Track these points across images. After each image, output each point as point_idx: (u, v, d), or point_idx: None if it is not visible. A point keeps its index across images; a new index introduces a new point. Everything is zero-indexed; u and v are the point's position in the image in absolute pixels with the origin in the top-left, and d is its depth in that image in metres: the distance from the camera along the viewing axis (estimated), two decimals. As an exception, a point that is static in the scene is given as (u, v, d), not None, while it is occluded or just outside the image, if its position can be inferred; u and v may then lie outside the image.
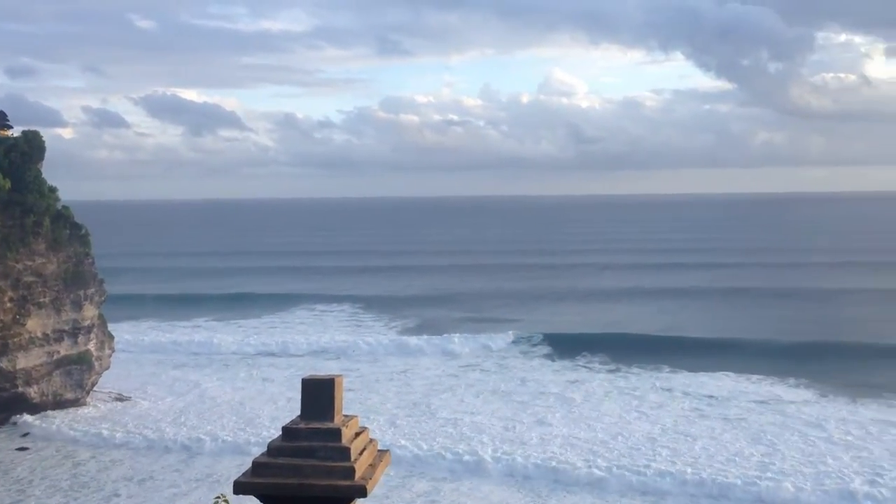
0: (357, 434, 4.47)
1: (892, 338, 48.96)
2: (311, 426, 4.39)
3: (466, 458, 29.39)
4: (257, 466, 4.38)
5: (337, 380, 4.51)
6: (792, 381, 39.75)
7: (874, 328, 52.55)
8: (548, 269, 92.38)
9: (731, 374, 41.28)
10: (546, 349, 47.95)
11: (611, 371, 43.13)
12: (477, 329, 54.50)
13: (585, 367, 44.27)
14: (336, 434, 4.34)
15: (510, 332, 51.35)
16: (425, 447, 30.55)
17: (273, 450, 4.35)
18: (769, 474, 27.18)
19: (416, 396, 38.67)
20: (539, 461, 28.74)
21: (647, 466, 28.04)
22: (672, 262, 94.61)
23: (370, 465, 4.46)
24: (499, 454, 29.56)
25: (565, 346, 47.79)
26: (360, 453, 4.38)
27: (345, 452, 4.30)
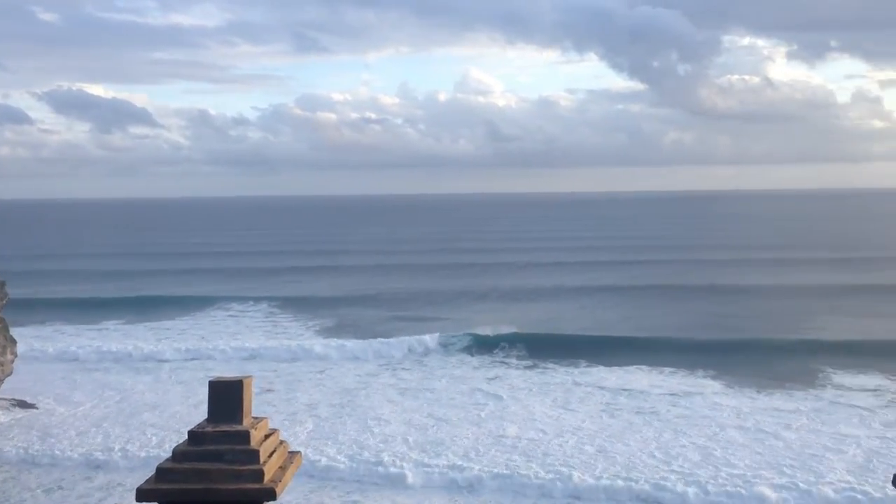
0: (267, 436, 4.37)
1: (792, 332, 51.34)
2: (218, 429, 4.26)
3: (387, 458, 29.25)
4: (161, 472, 4.22)
5: (246, 381, 4.40)
6: (700, 372, 41.17)
7: (777, 323, 54.98)
8: (469, 267, 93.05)
9: (644, 367, 42.44)
10: (469, 348, 48.09)
11: (529, 367, 43.69)
12: (398, 329, 54.46)
13: (505, 363, 44.74)
14: (244, 437, 4.22)
15: (433, 332, 51.38)
16: (345, 451, 30.29)
17: (178, 454, 4.20)
18: (680, 466, 28.01)
19: (335, 398, 38.28)
20: (459, 461, 28.84)
21: (566, 466, 28.47)
22: (590, 260, 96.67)
23: (280, 467, 4.36)
24: (421, 456, 29.49)
25: (488, 344, 48.11)
26: (270, 456, 4.28)
27: (253, 455, 4.19)
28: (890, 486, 7.41)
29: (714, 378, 40.20)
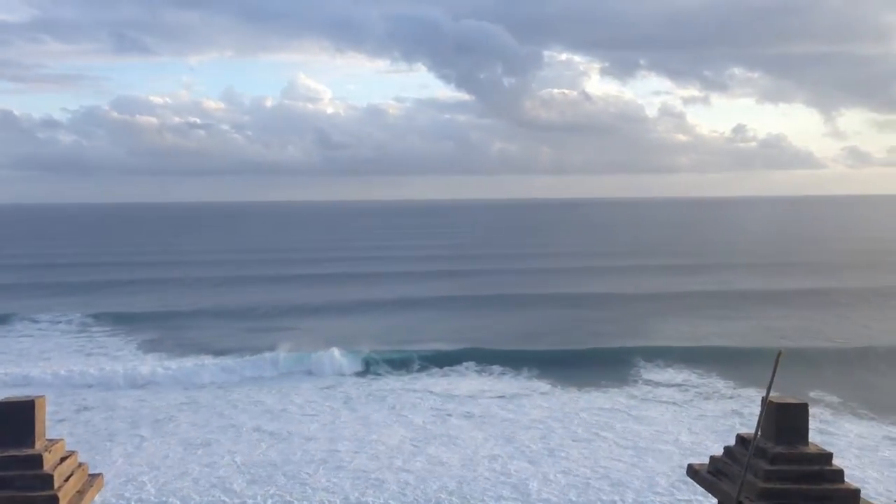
0: (63, 459, 4.04)
1: (612, 336, 54.42)
2: (6, 454, 3.87)
3: (210, 483, 28.05)
4: (-61, 506, 3.83)
5: (38, 401, 4.04)
6: (526, 373, 43.00)
7: (597, 328, 58.11)
8: (303, 279, 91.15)
9: (473, 363, 44.25)
10: (301, 361, 46.49)
11: (360, 374, 43.63)
12: (226, 344, 52.52)
13: (339, 374, 44.23)
14: (36, 461, 3.87)
15: (263, 345, 49.98)
16: (165, 476, 28.67)
17: (-41, 485, 3.81)
18: (505, 471, 28.85)
19: (157, 417, 36.29)
20: (288, 484, 28.01)
21: (400, 478, 28.50)
22: (422, 271, 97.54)
23: (78, 491, 4.03)
24: (247, 481, 28.20)
25: (321, 357, 46.83)
26: (66, 480, 3.96)
27: (47, 480, 3.85)
28: (686, 475, 7.89)
29: (539, 377, 42.18)
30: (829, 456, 7.47)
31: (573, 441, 31.62)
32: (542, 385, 40.97)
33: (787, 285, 77.08)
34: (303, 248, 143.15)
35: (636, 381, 41.60)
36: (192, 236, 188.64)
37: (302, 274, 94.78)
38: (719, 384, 40.64)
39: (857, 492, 7.34)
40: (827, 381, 40.48)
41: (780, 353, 7.18)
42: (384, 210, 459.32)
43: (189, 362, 46.14)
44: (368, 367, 44.75)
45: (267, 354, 47.48)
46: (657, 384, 40.97)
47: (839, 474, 7.37)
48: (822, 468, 7.29)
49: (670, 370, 43.69)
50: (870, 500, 7.56)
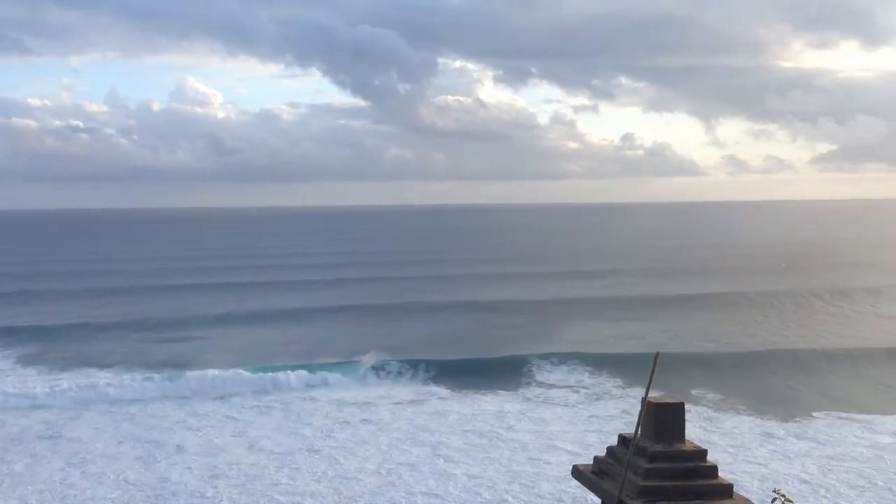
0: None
1: (504, 345, 55.28)
2: None
3: None
4: None
5: None
6: (423, 377, 43.48)
7: (491, 335, 58.88)
8: (194, 289, 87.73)
9: (371, 370, 44.44)
10: (194, 375, 44.76)
11: (256, 385, 42.60)
12: (112, 359, 50.31)
13: (235, 386, 42.98)
14: None
15: (152, 359, 48.38)
16: (45, 500, 27.37)
17: None
18: (410, 478, 28.94)
19: (38, 436, 34.48)
20: (176, 499, 27.35)
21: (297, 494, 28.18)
22: (322, 279, 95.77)
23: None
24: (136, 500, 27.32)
25: (214, 369, 45.27)
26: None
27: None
28: (571, 477, 8.25)
29: (436, 381, 42.72)
30: (703, 452, 7.90)
31: (470, 446, 32.01)
32: (441, 390, 41.34)
33: (673, 290, 79.93)
34: (195, 256, 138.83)
35: (530, 384, 42.51)
36: (75, 245, 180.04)
37: (194, 283, 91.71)
38: (609, 384, 42.02)
39: (730, 486, 7.79)
40: (711, 381, 42.42)
41: (657, 355, 7.56)
42: (279, 217, 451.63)
43: (74, 377, 44.06)
44: (264, 377, 43.84)
45: (158, 367, 45.93)
46: (551, 386, 42.00)
47: (713, 470, 7.82)
48: (697, 465, 7.71)
49: (564, 372, 44.82)
50: (742, 494, 8.04)
